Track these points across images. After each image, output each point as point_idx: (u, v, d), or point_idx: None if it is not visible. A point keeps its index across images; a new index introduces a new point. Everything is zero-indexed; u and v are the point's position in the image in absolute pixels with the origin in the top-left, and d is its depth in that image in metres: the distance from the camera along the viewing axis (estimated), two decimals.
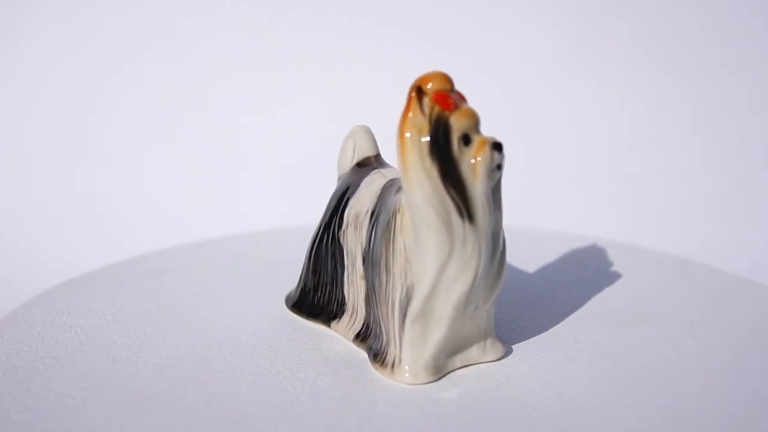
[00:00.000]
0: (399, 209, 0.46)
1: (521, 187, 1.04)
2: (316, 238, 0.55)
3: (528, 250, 0.72)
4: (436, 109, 0.44)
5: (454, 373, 0.49)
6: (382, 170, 0.53)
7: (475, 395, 0.46)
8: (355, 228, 0.51)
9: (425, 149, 0.43)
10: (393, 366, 0.47)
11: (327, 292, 0.54)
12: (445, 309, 0.46)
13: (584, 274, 0.67)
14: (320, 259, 0.54)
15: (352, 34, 1.15)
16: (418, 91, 0.44)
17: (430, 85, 0.44)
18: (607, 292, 0.62)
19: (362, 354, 0.50)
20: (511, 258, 0.64)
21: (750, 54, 1.12)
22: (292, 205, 1.06)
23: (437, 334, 0.46)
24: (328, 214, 0.54)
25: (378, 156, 0.56)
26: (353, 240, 0.51)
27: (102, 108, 1.14)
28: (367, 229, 0.49)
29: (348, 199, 0.52)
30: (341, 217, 0.52)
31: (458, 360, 0.49)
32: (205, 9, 1.15)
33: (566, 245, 0.74)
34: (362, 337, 0.51)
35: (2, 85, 1.12)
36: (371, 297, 0.49)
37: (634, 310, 0.58)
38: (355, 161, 0.55)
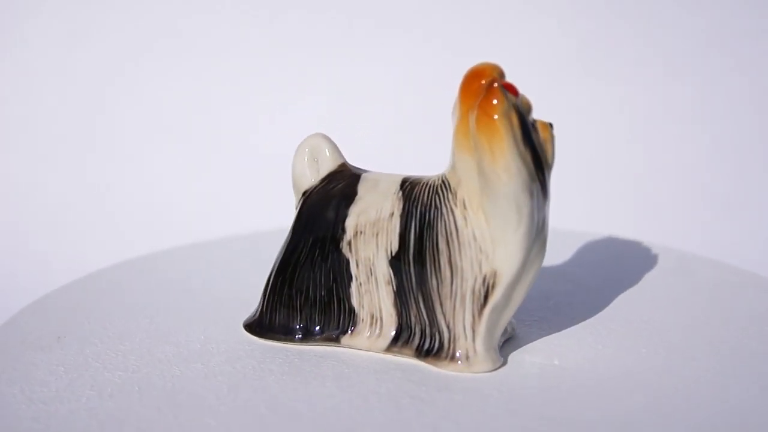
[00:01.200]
0: (456, 203, 0.46)
1: None
2: (296, 257, 0.51)
3: None
4: (512, 97, 0.45)
5: (513, 352, 0.51)
6: (371, 174, 0.52)
7: (566, 361, 0.49)
8: (374, 234, 0.49)
9: (519, 136, 0.44)
10: (467, 358, 0.48)
11: (323, 309, 0.51)
12: (520, 291, 0.47)
13: (586, 270, 0.67)
14: (306, 277, 0.51)
15: (352, 34, 1.15)
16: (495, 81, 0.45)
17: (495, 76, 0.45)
18: (609, 287, 0.63)
19: (400, 359, 0.50)
20: None
21: (753, 51, 1.12)
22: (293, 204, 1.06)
23: (506, 317, 0.48)
24: (316, 228, 0.51)
25: (346, 162, 0.53)
26: (370, 247, 0.49)
27: (101, 108, 1.14)
28: (399, 232, 0.48)
29: (346, 208, 0.50)
30: (342, 228, 0.50)
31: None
32: (205, 9, 1.15)
33: (568, 242, 0.74)
34: (402, 341, 0.50)
35: (6, 85, 1.12)
36: (413, 298, 0.49)
37: (636, 303, 0.59)
38: (322, 172, 0.52)
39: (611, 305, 0.59)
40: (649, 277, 0.65)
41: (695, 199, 1.09)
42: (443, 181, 0.48)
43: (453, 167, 0.47)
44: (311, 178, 0.52)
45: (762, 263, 0.89)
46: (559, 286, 0.63)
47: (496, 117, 0.44)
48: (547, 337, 0.53)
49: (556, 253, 0.71)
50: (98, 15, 1.13)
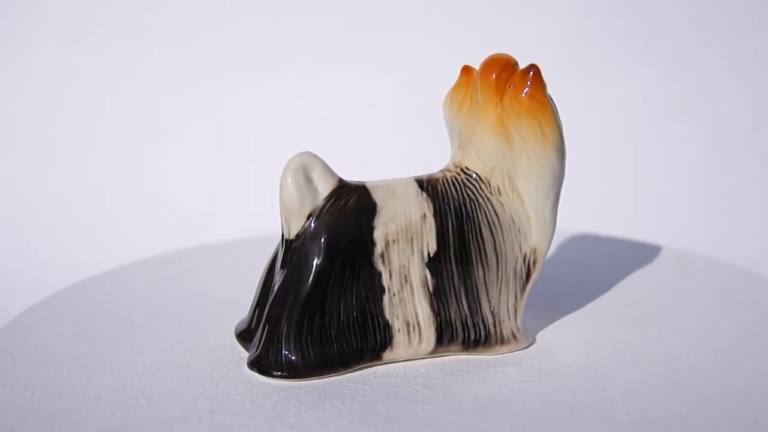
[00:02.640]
0: (492, 192, 0.49)
1: None
2: (323, 283, 0.48)
3: None
4: None
5: (542, 330, 0.54)
6: (375, 183, 0.50)
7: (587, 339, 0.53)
8: (408, 239, 0.48)
9: (558, 116, 0.48)
10: (513, 336, 0.51)
11: (357, 331, 0.49)
12: (545, 260, 0.51)
13: (585, 269, 0.67)
14: (336, 302, 0.48)
15: (351, 35, 1.15)
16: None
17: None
18: (609, 286, 0.63)
19: (446, 358, 0.50)
20: None
21: (753, 51, 1.12)
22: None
23: (530, 288, 0.51)
24: (340, 249, 0.48)
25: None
26: (405, 254, 0.48)
27: (101, 108, 1.14)
28: (436, 231, 0.48)
29: (370, 221, 0.48)
30: (371, 242, 0.48)
31: None
32: (205, 9, 1.15)
33: (567, 242, 0.74)
34: (447, 339, 0.50)
35: (6, 85, 1.12)
36: (453, 294, 0.49)
37: (636, 302, 0.59)
38: (323, 191, 0.49)
39: (611, 305, 0.59)
40: (649, 277, 0.65)
41: (695, 198, 1.09)
42: (468, 173, 0.49)
43: (477, 157, 0.49)
44: (312, 198, 0.49)
45: (762, 262, 0.89)
46: (558, 286, 0.63)
47: (546, 100, 0.47)
48: (553, 325, 0.55)
49: (555, 253, 0.71)
50: (98, 15, 1.13)
